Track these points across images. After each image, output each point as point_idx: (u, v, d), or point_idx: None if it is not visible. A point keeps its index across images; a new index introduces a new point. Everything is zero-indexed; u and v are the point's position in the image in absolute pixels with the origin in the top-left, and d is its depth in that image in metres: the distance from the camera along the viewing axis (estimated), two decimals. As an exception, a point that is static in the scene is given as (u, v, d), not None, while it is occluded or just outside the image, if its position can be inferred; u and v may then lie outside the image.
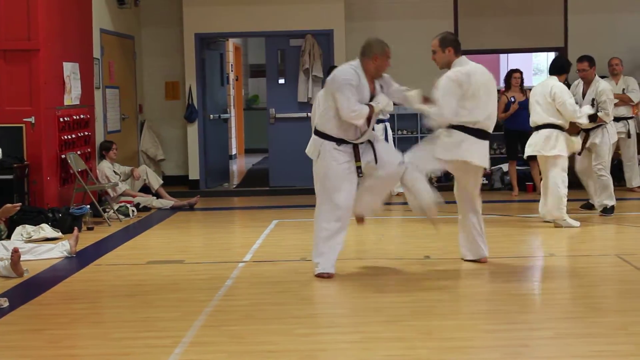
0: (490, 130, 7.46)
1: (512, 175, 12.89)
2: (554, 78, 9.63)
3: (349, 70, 7.30)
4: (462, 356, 5.21)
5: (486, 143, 7.45)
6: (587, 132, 10.26)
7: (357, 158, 7.33)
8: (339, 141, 7.29)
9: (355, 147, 7.32)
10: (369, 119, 7.23)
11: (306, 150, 8.04)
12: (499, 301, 6.53)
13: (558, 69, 9.76)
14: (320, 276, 7.32)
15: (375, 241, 9.27)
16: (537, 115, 9.52)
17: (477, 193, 7.67)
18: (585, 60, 10.46)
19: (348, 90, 7.14)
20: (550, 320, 5.97)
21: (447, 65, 7.43)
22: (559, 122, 9.41)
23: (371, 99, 7.28)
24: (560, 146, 9.34)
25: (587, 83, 10.39)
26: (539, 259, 8.11)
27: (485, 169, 7.66)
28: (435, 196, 7.37)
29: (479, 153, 7.37)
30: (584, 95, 10.36)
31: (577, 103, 9.76)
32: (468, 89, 7.25)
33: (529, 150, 9.64)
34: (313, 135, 7.59)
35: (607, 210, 10.37)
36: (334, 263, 7.39)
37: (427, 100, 7.38)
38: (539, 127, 9.48)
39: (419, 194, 7.36)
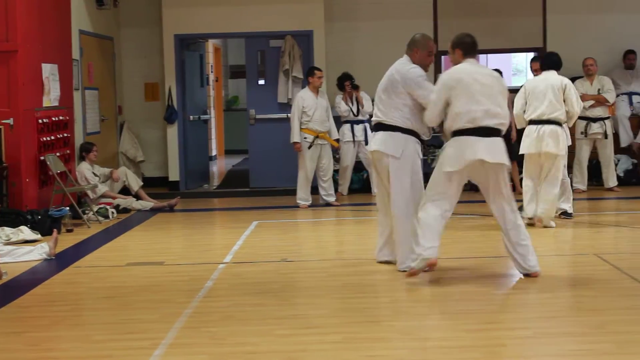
0: (497, 126, 7.04)
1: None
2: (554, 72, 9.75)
3: (416, 68, 7.48)
4: (441, 356, 5.23)
5: (495, 140, 7.03)
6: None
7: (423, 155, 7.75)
8: (419, 138, 7.52)
9: (424, 145, 7.64)
10: None
11: (379, 147, 7.57)
12: (479, 301, 6.55)
13: (557, 63, 9.82)
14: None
15: (354, 242, 9.28)
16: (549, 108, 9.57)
17: (506, 196, 7.13)
18: (538, 61, 10.60)
19: (427, 83, 7.40)
20: (528, 320, 6.00)
21: None
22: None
23: None
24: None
25: None
26: (518, 259, 8.14)
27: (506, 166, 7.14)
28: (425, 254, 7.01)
29: (488, 150, 6.97)
30: None
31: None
32: (455, 88, 7.05)
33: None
34: (389, 132, 7.46)
35: (567, 214, 10.12)
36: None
37: None
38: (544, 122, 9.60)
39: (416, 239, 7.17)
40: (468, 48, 7.33)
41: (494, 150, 7.01)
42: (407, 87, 7.38)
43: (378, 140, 7.55)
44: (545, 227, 9.50)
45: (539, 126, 9.54)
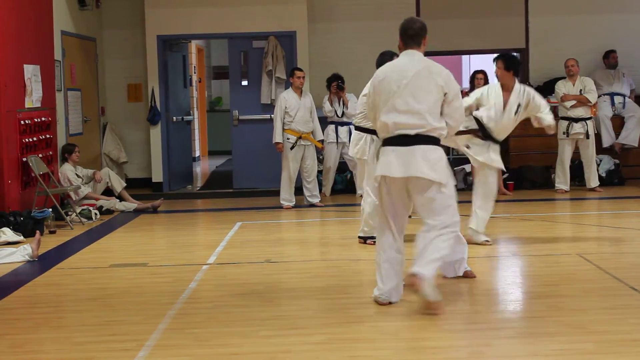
0: (422, 133, 6.13)
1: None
2: None
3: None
4: (426, 356, 5.24)
5: (412, 150, 6.14)
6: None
7: None
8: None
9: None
10: None
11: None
12: (462, 301, 6.57)
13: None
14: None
15: (338, 242, 9.28)
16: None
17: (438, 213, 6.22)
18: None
19: None
20: (512, 320, 6.03)
21: None
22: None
23: None
24: None
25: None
26: (501, 259, 8.16)
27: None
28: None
29: (402, 162, 6.15)
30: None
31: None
32: (378, 92, 6.30)
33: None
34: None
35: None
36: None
37: None
38: None
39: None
40: (408, 37, 6.34)
41: (409, 162, 6.14)
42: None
43: None
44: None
45: None
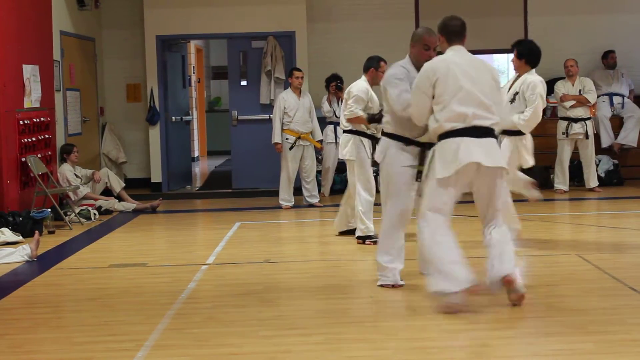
0: (491, 125, 6.22)
1: None
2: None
3: (395, 68, 6.85)
4: (425, 356, 5.24)
5: (490, 141, 6.21)
6: None
7: (421, 162, 6.70)
8: (406, 140, 6.74)
9: (422, 149, 6.71)
10: None
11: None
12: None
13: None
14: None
15: (337, 242, 9.28)
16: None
17: (500, 207, 6.40)
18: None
19: (395, 84, 6.69)
20: (511, 320, 6.02)
21: None
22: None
23: None
24: None
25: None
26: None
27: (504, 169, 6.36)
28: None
29: (485, 152, 6.14)
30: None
31: None
32: (439, 82, 6.20)
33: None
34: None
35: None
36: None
37: None
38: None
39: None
40: (452, 33, 6.44)
41: (491, 152, 6.20)
42: (383, 88, 6.90)
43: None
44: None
45: None
